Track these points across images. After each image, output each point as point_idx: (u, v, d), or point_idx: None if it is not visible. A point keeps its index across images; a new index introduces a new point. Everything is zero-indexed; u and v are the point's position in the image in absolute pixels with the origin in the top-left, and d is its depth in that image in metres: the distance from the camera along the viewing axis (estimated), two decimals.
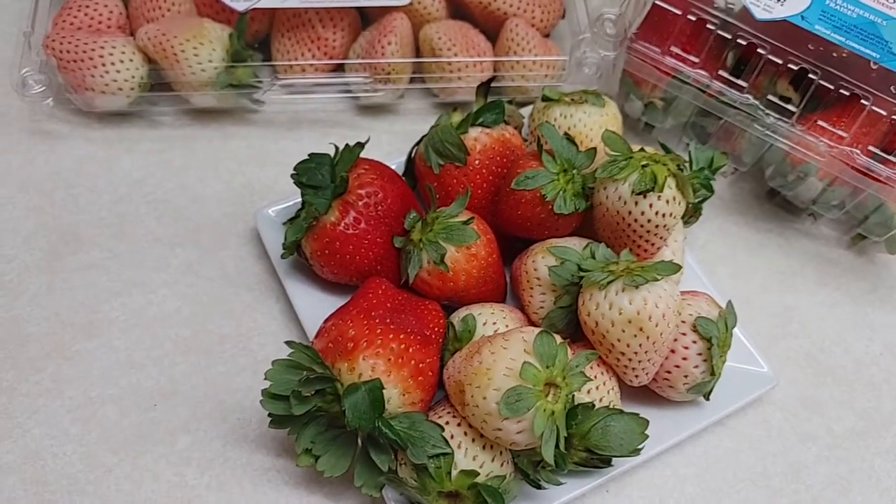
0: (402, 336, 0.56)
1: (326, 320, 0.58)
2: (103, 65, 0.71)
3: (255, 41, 0.78)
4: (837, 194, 0.70)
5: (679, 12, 0.66)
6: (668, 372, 0.60)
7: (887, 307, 0.73)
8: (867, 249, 0.75)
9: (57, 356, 0.65)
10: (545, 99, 0.68)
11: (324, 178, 0.61)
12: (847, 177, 0.66)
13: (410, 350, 0.55)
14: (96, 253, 0.70)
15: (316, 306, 0.65)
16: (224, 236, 0.71)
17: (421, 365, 0.56)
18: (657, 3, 0.67)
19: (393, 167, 0.69)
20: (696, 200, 0.65)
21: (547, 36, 0.79)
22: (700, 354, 0.59)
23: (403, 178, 0.67)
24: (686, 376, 0.59)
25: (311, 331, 0.64)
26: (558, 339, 0.52)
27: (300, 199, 0.62)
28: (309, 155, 0.62)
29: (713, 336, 0.58)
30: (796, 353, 0.70)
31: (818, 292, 0.73)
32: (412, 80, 0.76)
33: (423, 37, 0.74)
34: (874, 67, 0.65)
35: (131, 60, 0.71)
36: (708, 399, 0.62)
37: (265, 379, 0.53)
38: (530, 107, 0.72)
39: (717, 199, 0.76)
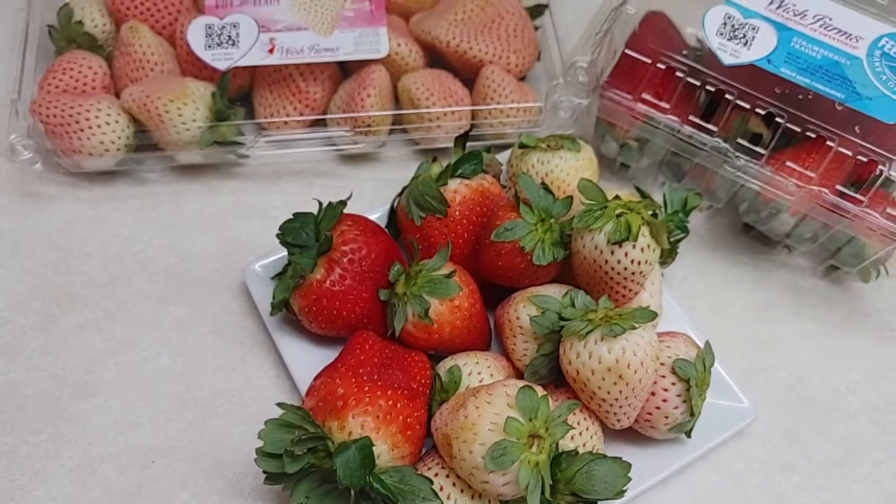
0: (389, 392, 0.57)
1: (316, 378, 0.60)
2: (90, 127, 0.72)
3: (238, 95, 0.80)
4: (810, 228, 0.72)
5: (649, 61, 0.68)
6: (650, 414, 0.62)
7: (862, 335, 0.75)
8: (842, 279, 0.77)
9: (55, 417, 0.67)
10: (522, 146, 0.70)
11: (308, 236, 0.63)
12: (817, 214, 0.68)
13: (398, 406, 0.57)
14: (89, 313, 0.71)
15: (306, 359, 0.67)
16: (214, 292, 0.73)
17: (409, 419, 0.57)
18: (627, 52, 0.69)
19: (377, 216, 0.71)
20: (672, 242, 0.67)
21: (522, 79, 0.81)
22: (679, 396, 0.61)
23: (386, 228, 0.69)
24: (667, 417, 0.61)
25: (301, 383, 0.66)
26: (540, 391, 0.54)
27: (286, 254, 0.64)
28: (293, 214, 0.64)
29: (692, 377, 0.60)
30: (775, 384, 0.72)
31: (795, 323, 0.75)
32: (392, 129, 0.78)
33: (402, 87, 0.76)
34: (839, 108, 0.67)
35: (117, 122, 0.73)
36: (689, 436, 0.64)
37: (259, 438, 0.55)
38: (508, 151, 0.74)
39: (694, 234, 0.78)
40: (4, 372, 0.68)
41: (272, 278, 0.67)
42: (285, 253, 0.64)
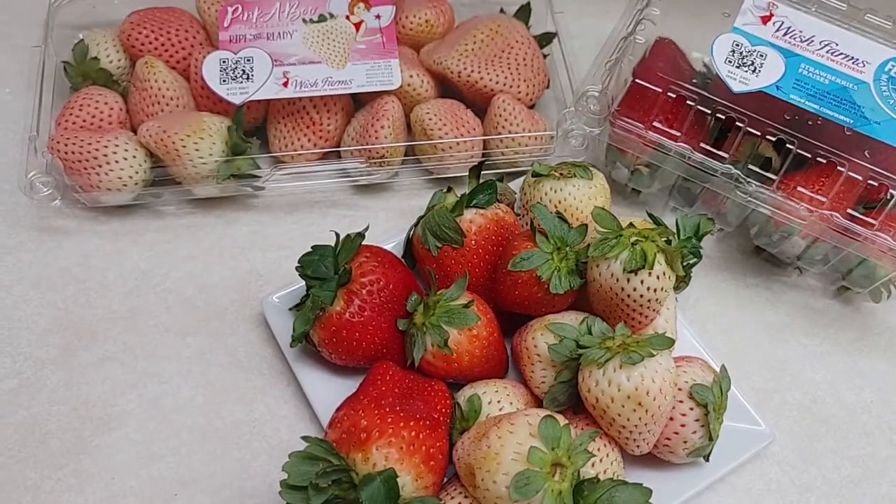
0: (412, 423, 0.58)
1: (338, 410, 0.60)
2: (108, 163, 0.73)
3: (252, 128, 0.81)
4: (821, 250, 0.73)
5: (659, 90, 0.69)
6: (668, 439, 0.62)
7: (875, 354, 0.75)
8: (853, 298, 0.78)
9: (77, 452, 0.67)
10: (535, 174, 0.71)
11: (327, 269, 0.64)
12: (828, 237, 0.69)
13: (421, 436, 0.58)
14: (110, 346, 0.72)
15: (326, 389, 0.68)
16: (233, 323, 0.74)
17: (432, 450, 0.58)
18: (637, 81, 0.70)
19: (392, 245, 0.72)
20: (685, 268, 0.68)
21: (532, 106, 0.82)
22: (697, 420, 0.61)
23: (403, 259, 0.70)
24: (685, 442, 0.62)
25: (322, 413, 0.66)
26: (562, 420, 0.55)
27: (304, 284, 0.65)
28: (312, 247, 0.64)
29: (709, 402, 0.61)
30: (790, 405, 0.72)
31: (808, 343, 0.76)
32: (405, 159, 0.79)
33: (415, 118, 0.77)
34: (848, 133, 0.68)
35: (134, 157, 0.74)
36: (708, 460, 0.64)
37: (283, 470, 0.55)
38: (521, 179, 0.75)
39: (706, 257, 0.79)
40: (27, 407, 0.69)
41: (290, 309, 0.68)
42: (303, 284, 0.65)
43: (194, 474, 0.66)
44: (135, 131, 0.76)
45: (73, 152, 0.73)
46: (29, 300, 0.74)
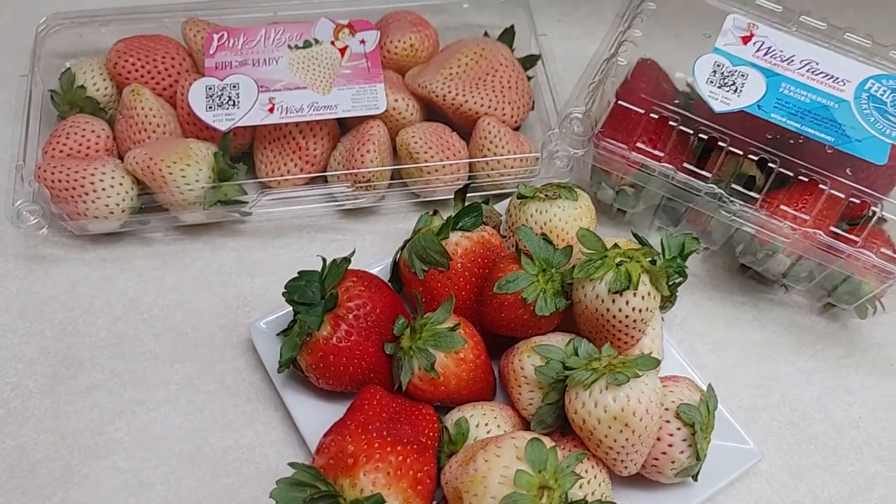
0: (399, 448, 0.58)
1: (326, 435, 0.60)
2: (94, 191, 0.73)
3: (239, 154, 0.81)
4: (806, 267, 0.73)
5: (641, 111, 0.70)
6: (656, 459, 0.62)
7: (862, 370, 0.76)
8: (839, 315, 0.78)
9: (65, 481, 0.67)
10: (520, 196, 0.71)
11: (314, 294, 0.64)
12: (812, 255, 0.69)
13: (408, 461, 0.58)
14: (98, 374, 0.72)
15: (314, 414, 0.67)
16: (221, 349, 0.74)
17: (419, 474, 0.58)
18: (620, 102, 0.70)
19: (379, 269, 0.73)
20: (671, 287, 0.68)
21: (517, 128, 0.83)
22: (685, 440, 0.62)
23: (389, 282, 0.70)
24: (673, 462, 0.62)
25: (310, 438, 0.66)
26: (549, 442, 0.55)
27: (291, 310, 0.65)
28: (298, 273, 0.65)
29: (696, 421, 0.61)
30: (778, 422, 0.73)
31: (795, 360, 0.76)
32: (392, 183, 0.80)
33: (401, 142, 0.77)
34: (830, 151, 0.68)
35: (121, 185, 0.74)
36: (696, 479, 0.64)
37: (271, 497, 0.55)
38: (507, 201, 0.75)
39: (692, 276, 0.79)
40: (14, 437, 0.69)
41: (278, 335, 0.68)
42: (290, 309, 0.65)
43: (183, 501, 0.66)
44: (122, 159, 0.76)
45: (59, 180, 0.73)
46: (16, 329, 0.74)
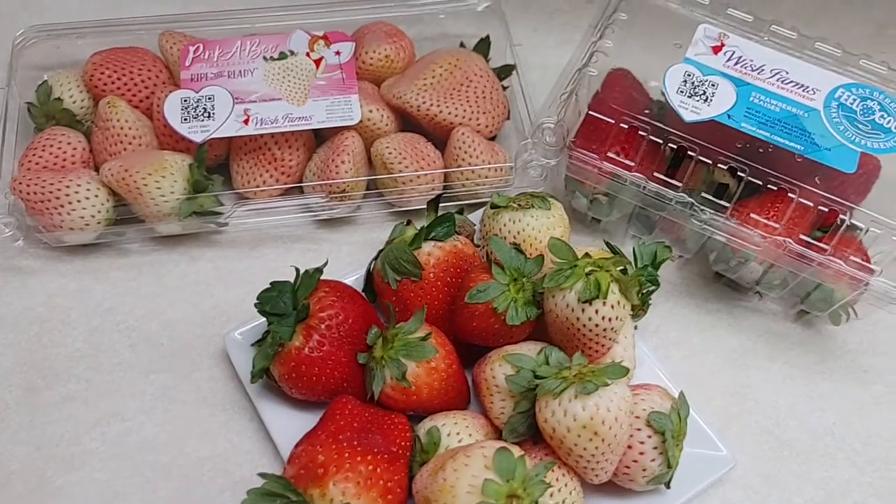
0: (369, 457, 0.58)
1: (297, 445, 0.61)
2: (69, 203, 0.74)
3: (215, 165, 0.82)
4: (779, 275, 0.73)
5: (612, 121, 0.70)
6: (627, 467, 0.62)
7: (836, 377, 0.76)
8: (813, 322, 0.79)
9: (40, 492, 0.67)
10: (493, 206, 0.72)
11: (286, 305, 0.64)
12: (783, 263, 0.69)
13: (378, 470, 0.58)
14: (73, 385, 0.72)
15: (287, 423, 0.67)
16: (196, 359, 0.74)
17: (389, 484, 0.58)
18: (591, 112, 0.71)
19: (353, 279, 0.73)
20: (642, 296, 0.69)
21: (493, 138, 0.83)
22: (656, 448, 0.62)
23: (363, 292, 0.71)
24: (644, 470, 0.62)
25: (283, 448, 0.66)
26: (517, 451, 0.55)
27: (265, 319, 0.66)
28: (271, 283, 0.65)
29: (667, 429, 0.62)
30: (752, 429, 0.73)
31: (769, 367, 0.76)
32: (367, 193, 0.80)
33: (375, 152, 0.78)
34: (799, 160, 0.69)
35: (97, 196, 0.74)
36: (669, 487, 0.65)
37: None
38: (482, 210, 0.76)
39: (667, 283, 0.79)
40: None
41: (252, 345, 0.69)
42: (265, 319, 0.66)
43: None
44: (98, 171, 0.76)
45: (35, 192, 0.74)
46: None
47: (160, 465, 0.69)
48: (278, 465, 0.68)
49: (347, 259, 0.80)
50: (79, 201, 0.74)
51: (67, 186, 0.74)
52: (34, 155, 0.77)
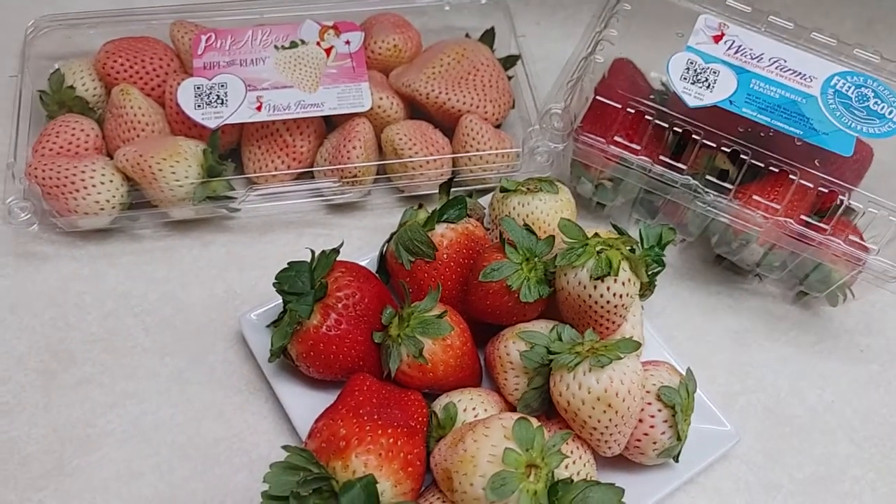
0: (390, 430, 0.60)
1: (317, 420, 0.62)
2: (84, 188, 0.75)
3: (227, 151, 0.83)
4: (778, 257, 0.76)
5: (619, 106, 0.72)
6: (638, 440, 0.64)
7: (834, 356, 0.78)
8: (812, 304, 0.81)
9: (57, 473, 0.68)
10: (503, 190, 0.73)
11: (304, 284, 0.66)
12: (784, 243, 0.72)
13: (399, 443, 0.59)
14: (89, 368, 0.73)
15: (304, 403, 0.69)
16: (211, 341, 0.75)
17: (409, 456, 0.60)
18: (597, 98, 0.73)
19: (366, 262, 0.74)
20: (650, 275, 0.71)
21: (499, 126, 0.85)
22: (666, 421, 0.64)
23: (377, 274, 0.72)
24: (655, 443, 0.64)
25: (300, 427, 0.68)
26: (535, 422, 0.57)
27: (280, 302, 0.67)
28: (288, 263, 0.66)
29: (676, 403, 0.63)
30: (755, 406, 0.75)
31: (770, 347, 0.78)
32: (377, 179, 0.82)
33: (386, 138, 0.79)
34: (798, 144, 0.71)
35: (111, 181, 0.76)
36: (677, 461, 0.67)
37: (264, 481, 0.56)
38: (490, 195, 0.77)
39: (670, 267, 0.81)
40: (5, 431, 0.70)
41: (267, 326, 0.70)
42: (279, 302, 0.67)
43: (175, 491, 0.67)
44: (111, 157, 0.78)
45: (50, 177, 0.74)
46: (7, 325, 0.75)
47: (177, 446, 0.70)
48: (294, 443, 0.68)
49: (358, 243, 0.81)
50: (94, 186, 0.75)
51: (83, 171, 0.75)
52: (48, 141, 0.78)
